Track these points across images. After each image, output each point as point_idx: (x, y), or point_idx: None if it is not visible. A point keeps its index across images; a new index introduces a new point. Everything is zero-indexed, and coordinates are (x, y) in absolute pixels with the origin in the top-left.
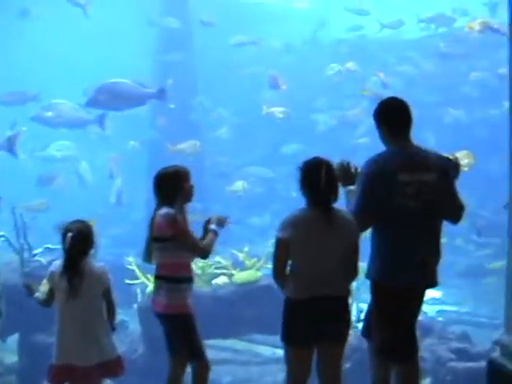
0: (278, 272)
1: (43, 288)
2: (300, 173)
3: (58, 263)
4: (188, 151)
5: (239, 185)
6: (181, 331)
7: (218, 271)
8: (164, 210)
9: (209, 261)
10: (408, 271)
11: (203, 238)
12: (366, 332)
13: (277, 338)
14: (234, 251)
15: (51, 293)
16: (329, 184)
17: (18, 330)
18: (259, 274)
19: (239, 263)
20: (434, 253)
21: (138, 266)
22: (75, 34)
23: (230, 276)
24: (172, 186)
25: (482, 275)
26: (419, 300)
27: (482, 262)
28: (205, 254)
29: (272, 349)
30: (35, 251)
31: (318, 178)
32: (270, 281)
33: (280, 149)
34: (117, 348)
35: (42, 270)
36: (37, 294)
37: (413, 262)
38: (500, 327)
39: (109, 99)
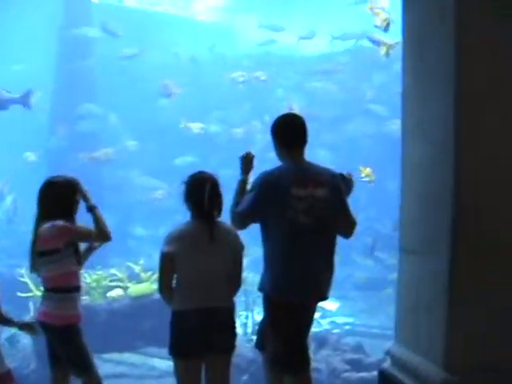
0: (164, 286)
1: None
2: (185, 187)
3: None
4: (103, 159)
5: (159, 193)
6: (70, 343)
7: (113, 284)
8: (50, 223)
9: (103, 273)
10: (299, 286)
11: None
12: (260, 344)
13: None
14: (130, 264)
15: None
16: (213, 199)
17: None
18: (154, 286)
19: (135, 276)
20: (327, 267)
21: (31, 279)
22: None
23: (126, 289)
24: (61, 197)
25: (379, 288)
26: (311, 313)
27: (379, 275)
28: (105, 234)
29: (168, 362)
30: None
31: (202, 193)
32: None
33: (176, 160)
34: (6, 362)
35: None
36: None
37: (304, 277)
38: (392, 338)
39: None
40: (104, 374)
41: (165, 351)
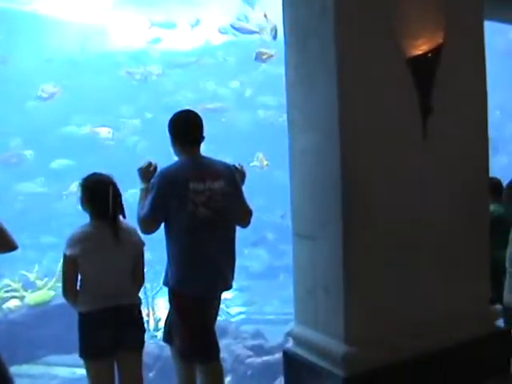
0: (68, 289)
1: None
2: (84, 190)
3: None
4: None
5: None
6: None
7: (9, 295)
8: None
9: None
10: (204, 278)
11: None
12: (168, 338)
13: (75, 357)
14: (24, 272)
15: None
16: (116, 200)
17: None
18: (52, 293)
19: (30, 284)
20: (229, 257)
21: None
22: None
23: (22, 298)
24: None
25: (270, 276)
26: (216, 303)
27: (269, 263)
28: (11, 243)
29: (70, 368)
30: None
31: (105, 195)
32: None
33: (52, 164)
34: None
35: None
36: None
37: (208, 269)
38: (289, 321)
39: None
40: None
41: (67, 358)
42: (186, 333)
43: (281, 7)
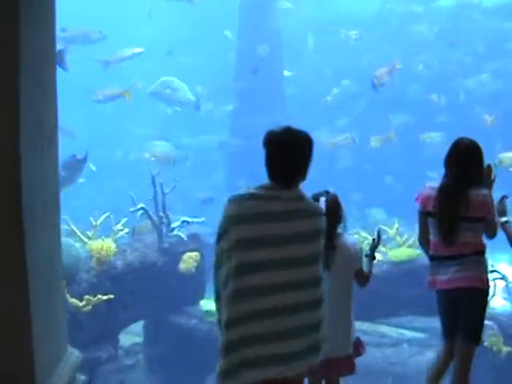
0: None
1: None
2: None
3: None
4: None
5: None
6: (484, 308)
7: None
8: (486, 190)
9: None
10: None
11: None
12: None
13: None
14: (383, 226)
15: None
16: None
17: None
18: (417, 251)
19: (389, 240)
20: None
21: None
22: None
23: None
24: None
25: None
26: None
27: None
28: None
29: (400, 330)
30: (173, 225)
31: None
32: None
33: None
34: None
35: (180, 247)
36: None
37: None
38: None
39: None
40: None
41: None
42: None
43: None
